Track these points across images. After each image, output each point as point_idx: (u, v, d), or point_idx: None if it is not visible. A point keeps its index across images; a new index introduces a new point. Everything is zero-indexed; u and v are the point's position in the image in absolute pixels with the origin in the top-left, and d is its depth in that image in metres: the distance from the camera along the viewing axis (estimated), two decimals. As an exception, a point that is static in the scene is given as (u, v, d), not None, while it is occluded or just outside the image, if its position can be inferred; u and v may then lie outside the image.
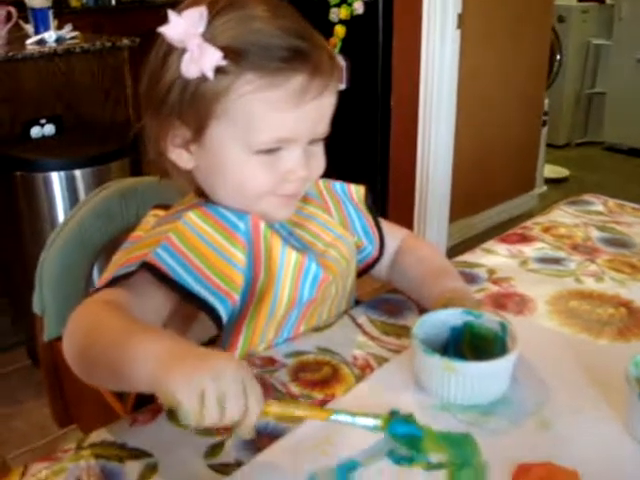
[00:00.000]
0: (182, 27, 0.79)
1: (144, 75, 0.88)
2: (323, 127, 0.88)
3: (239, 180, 0.87)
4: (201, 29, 0.80)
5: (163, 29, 0.81)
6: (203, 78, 0.80)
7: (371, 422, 0.75)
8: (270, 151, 0.85)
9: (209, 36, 0.80)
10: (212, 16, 0.80)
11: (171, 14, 0.80)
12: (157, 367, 0.67)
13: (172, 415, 0.66)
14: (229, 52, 0.79)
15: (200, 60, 0.79)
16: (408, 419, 0.76)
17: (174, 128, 0.86)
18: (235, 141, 0.84)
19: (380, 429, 0.75)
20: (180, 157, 0.89)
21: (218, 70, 0.80)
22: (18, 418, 2.35)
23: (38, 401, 2.40)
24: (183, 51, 0.80)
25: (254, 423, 0.67)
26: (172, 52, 0.82)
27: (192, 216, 0.86)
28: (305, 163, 0.87)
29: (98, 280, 0.86)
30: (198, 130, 0.84)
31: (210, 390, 0.64)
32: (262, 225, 0.89)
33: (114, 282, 0.83)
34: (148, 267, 0.81)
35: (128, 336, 0.73)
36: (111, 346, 0.73)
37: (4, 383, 2.55)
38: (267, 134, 0.83)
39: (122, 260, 0.86)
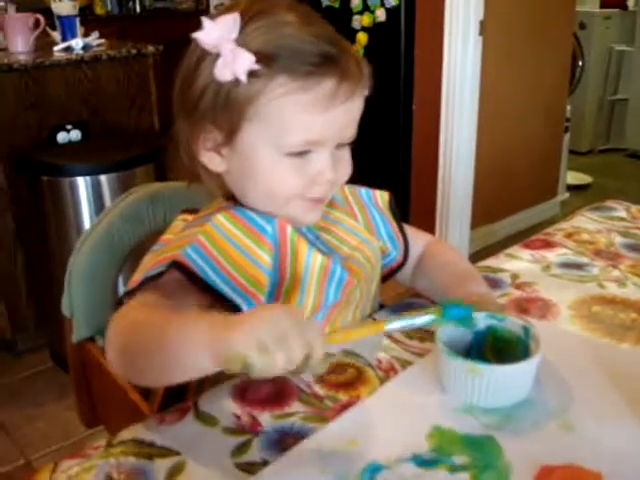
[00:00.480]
0: (216, 33, 0.81)
1: (176, 80, 0.90)
2: (350, 131, 0.89)
3: (269, 182, 0.88)
4: (234, 34, 0.82)
5: (197, 34, 0.83)
6: (236, 82, 0.82)
7: (426, 318, 0.79)
8: (300, 154, 0.87)
9: (242, 41, 0.82)
10: (244, 22, 0.82)
11: (205, 20, 0.82)
12: (213, 334, 0.69)
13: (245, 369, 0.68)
14: (261, 56, 0.81)
15: (234, 64, 0.81)
16: (457, 303, 0.82)
17: (206, 132, 0.88)
18: (266, 143, 0.86)
19: (438, 319, 0.80)
20: (212, 160, 0.90)
21: (251, 74, 0.81)
22: (41, 420, 2.38)
23: (61, 403, 2.43)
24: (216, 56, 0.82)
25: (321, 356, 0.69)
26: (205, 57, 0.84)
27: (220, 218, 0.88)
28: (333, 166, 0.89)
29: (128, 283, 0.88)
30: (230, 133, 0.86)
31: (271, 336, 0.66)
32: (289, 228, 0.91)
33: (144, 283, 0.85)
34: (177, 266, 0.83)
35: (174, 320, 0.75)
36: (158, 335, 0.75)
37: (27, 385, 2.58)
38: (297, 136, 0.85)
39: (152, 262, 0.87)
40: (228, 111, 0.85)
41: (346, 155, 0.92)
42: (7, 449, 2.24)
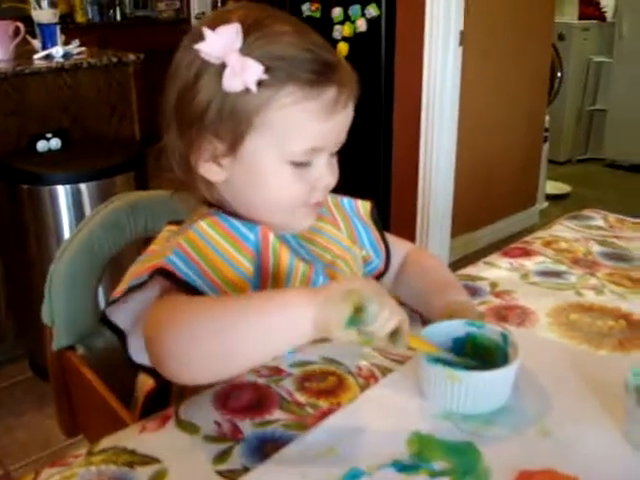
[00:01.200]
0: (220, 43, 0.81)
1: (169, 92, 0.89)
2: (344, 136, 0.91)
3: (276, 191, 0.89)
4: (238, 45, 0.81)
5: (200, 46, 0.82)
6: (243, 92, 0.82)
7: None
8: (303, 161, 0.88)
9: (246, 51, 0.82)
10: (245, 31, 0.82)
11: (206, 31, 0.81)
12: (313, 297, 0.72)
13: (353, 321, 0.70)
14: (269, 66, 0.82)
15: (243, 74, 0.81)
16: None
17: (206, 143, 0.87)
18: (271, 152, 0.86)
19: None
20: (209, 170, 0.90)
21: (259, 83, 0.82)
22: (21, 430, 2.37)
23: (40, 413, 2.41)
24: (221, 67, 0.82)
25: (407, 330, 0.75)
26: (206, 69, 0.84)
27: (203, 225, 0.88)
28: (330, 171, 0.91)
29: (109, 292, 0.88)
30: (234, 143, 0.86)
31: (378, 294, 0.72)
32: (271, 236, 0.91)
33: (128, 292, 0.84)
34: (162, 273, 0.83)
35: (251, 296, 0.80)
36: (239, 312, 0.75)
37: (7, 395, 2.56)
38: (303, 144, 0.86)
39: (136, 272, 0.87)
40: (233, 121, 0.84)
41: (336, 161, 0.94)
42: (-15, 459, 2.22)
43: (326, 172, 0.90)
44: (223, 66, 0.82)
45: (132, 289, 0.84)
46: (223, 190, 0.93)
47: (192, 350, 0.76)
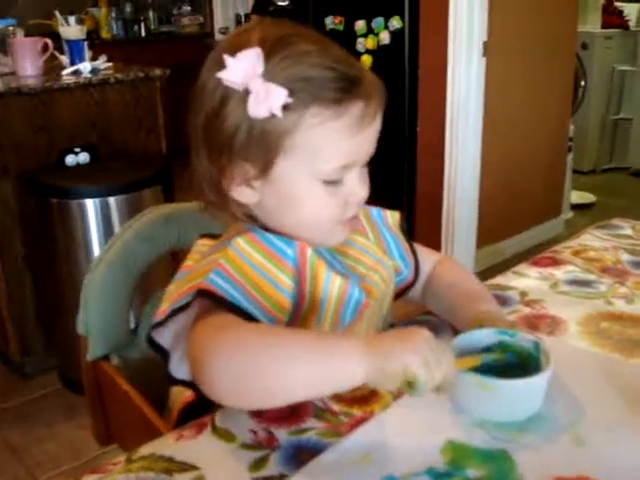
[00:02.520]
0: (241, 70, 0.81)
1: (197, 117, 0.88)
2: (374, 148, 0.90)
3: (313, 211, 0.89)
4: (260, 70, 0.81)
5: (222, 75, 0.82)
6: (270, 117, 0.81)
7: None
8: (336, 179, 0.88)
9: (268, 76, 0.81)
10: (266, 54, 0.81)
11: (227, 58, 0.81)
12: (369, 349, 0.74)
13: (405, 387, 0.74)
14: (292, 89, 0.81)
15: (267, 100, 0.80)
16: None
17: (237, 167, 0.87)
18: (303, 173, 0.86)
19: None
20: (242, 194, 0.89)
21: (284, 107, 0.81)
22: (51, 441, 2.39)
23: (70, 424, 2.44)
24: (244, 93, 0.82)
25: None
26: (230, 96, 0.83)
27: (241, 242, 0.87)
28: (362, 185, 0.90)
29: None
30: (265, 167, 0.85)
31: (433, 357, 0.73)
32: (309, 251, 0.91)
33: (172, 315, 0.85)
34: (204, 294, 0.82)
35: (306, 333, 0.82)
36: (295, 348, 0.76)
37: (37, 406, 2.59)
38: (334, 162, 0.85)
39: (177, 292, 0.88)
40: (263, 146, 0.84)
41: (366, 172, 0.93)
42: (16, 471, 2.25)
43: (359, 187, 0.90)
44: (247, 92, 0.81)
45: (175, 311, 0.85)
46: (256, 210, 0.92)
47: (243, 383, 0.77)
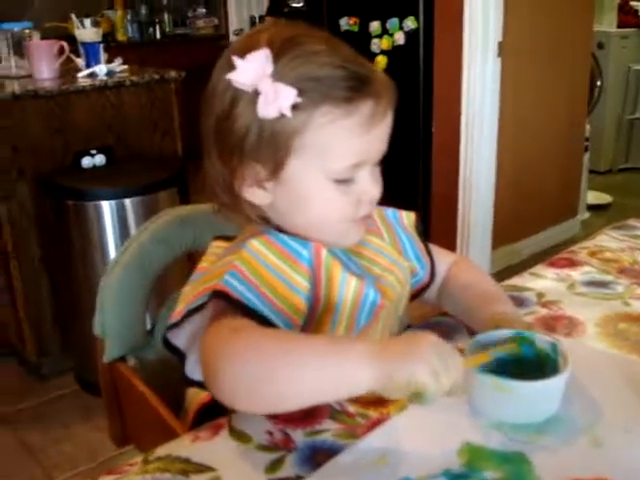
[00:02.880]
0: (251, 71, 0.81)
1: (208, 119, 0.88)
2: (385, 146, 0.90)
3: (324, 210, 0.89)
4: (269, 70, 0.81)
5: (231, 76, 0.82)
6: (280, 117, 0.82)
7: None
8: (347, 178, 0.87)
9: (278, 76, 0.81)
10: (275, 55, 0.82)
11: (236, 60, 0.81)
12: (378, 357, 0.73)
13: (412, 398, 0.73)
14: (302, 88, 0.81)
15: (277, 101, 0.80)
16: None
17: (248, 169, 0.87)
18: (314, 172, 0.86)
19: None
20: (254, 195, 0.90)
21: (294, 107, 0.81)
22: (67, 442, 2.40)
23: (87, 425, 2.45)
24: (254, 94, 0.82)
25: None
26: (240, 97, 0.83)
27: (255, 244, 0.87)
28: (374, 184, 0.90)
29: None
30: (276, 167, 0.85)
31: (441, 365, 0.72)
32: (324, 252, 0.91)
33: (187, 316, 0.86)
34: (219, 295, 0.83)
35: (318, 338, 0.81)
36: (306, 354, 0.76)
37: (53, 408, 2.61)
38: (345, 161, 0.86)
39: (192, 293, 0.88)
40: (273, 146, 0.84)
41: (379, 171, 0.93)
42: (33, 471, 2.26)
43: (370, 185, 0.90)
44: (257, 93, 0.82)
45: (191, 312, 0.86)
46: (269, 211, 0.92)
47: (257, 388, 0.76)
